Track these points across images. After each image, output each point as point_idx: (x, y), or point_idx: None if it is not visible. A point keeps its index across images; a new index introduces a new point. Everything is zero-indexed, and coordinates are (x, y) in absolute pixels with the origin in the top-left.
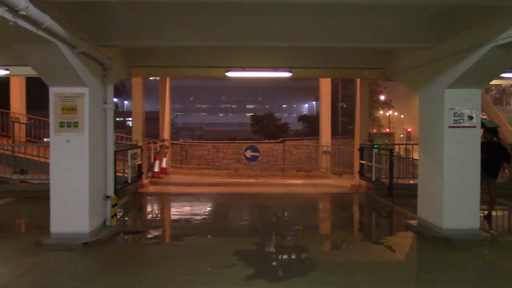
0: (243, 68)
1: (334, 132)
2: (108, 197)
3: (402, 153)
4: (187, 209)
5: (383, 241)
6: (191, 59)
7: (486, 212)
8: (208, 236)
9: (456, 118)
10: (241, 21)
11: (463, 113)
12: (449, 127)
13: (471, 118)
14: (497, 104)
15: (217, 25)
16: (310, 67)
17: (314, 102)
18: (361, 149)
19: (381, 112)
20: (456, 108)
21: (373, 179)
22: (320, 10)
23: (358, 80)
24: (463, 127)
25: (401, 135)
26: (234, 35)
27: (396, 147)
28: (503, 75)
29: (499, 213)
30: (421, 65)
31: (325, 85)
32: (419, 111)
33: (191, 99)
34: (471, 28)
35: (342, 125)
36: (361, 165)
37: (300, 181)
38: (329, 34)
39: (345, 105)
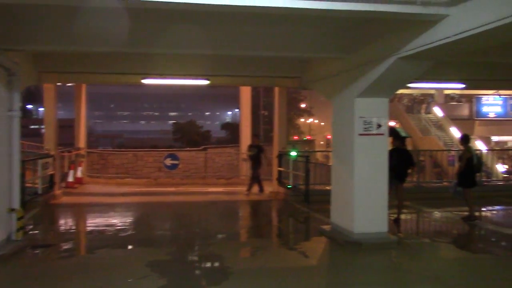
0: (161, 75)
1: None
2: (13, 209)
3: (323, 159)
4: (101, 220)
5: (297, 247)
6: (105, 65)
7: (395, 216)
8: (122, 248)
9: (365, 126)
10: (158, 28)
11: (372, 121)
12: (359, 134)
13: (379, 126)
14: (409, 112)
15: (132, 32)
16: (228, 75)
17: (237, 110)
18: (279, 156)
19: (302, 119)
20: (366, 116)
21: (291, 186)
22: (235, 19)
23: (277, 89)
24: (372, 134)
25: (321, 142)
26: (151, 42)
27: (317, 153)
28: (411, 85)
29: (408, 216)
30: (334, 74)
31: (245, 93)
32: (332, 119)
33: (112, 106)
34: (378, 40)
35: (264, 132)
36: (280, 172)
37: (220, 189)
38: (246, 42)
39: (266, 113)
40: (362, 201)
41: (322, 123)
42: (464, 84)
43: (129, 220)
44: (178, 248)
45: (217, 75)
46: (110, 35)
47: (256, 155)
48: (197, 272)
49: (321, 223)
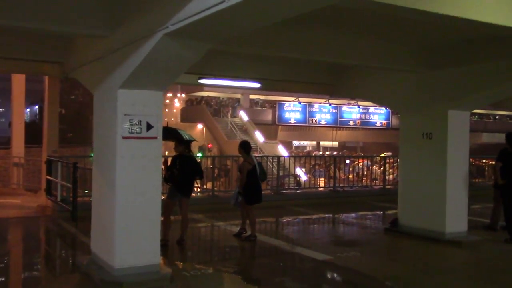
0: None
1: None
2: None
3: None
4: None
5: None
6: None
7: (178, 237)
8: None
9: (132, 126)
10: None
11: (141, 121)
12: (124, 137)
13: (151, 127)
14: (216, 116)
15: None
16: None
17: (36, 106)
18: (48, 162)
19: None
20: (132, 113)
21: (59, 199)
22: None
23: (47, 78)
24: (141, 138)
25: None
26: None
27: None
28: (201, 81)
29: (195, 234)
30: (97, 58)
31: (18, 84)
32: (94, 117)
33: None
34: (144, 11)
35: (61, 133)
36: (49, 181)
37: None
38: None
39: (63, 111)
40: (127, 224)
41: None
42: (259, 83)
43: None
44: None
45: None
46: None
47: None
48: None
49: (86, 250)
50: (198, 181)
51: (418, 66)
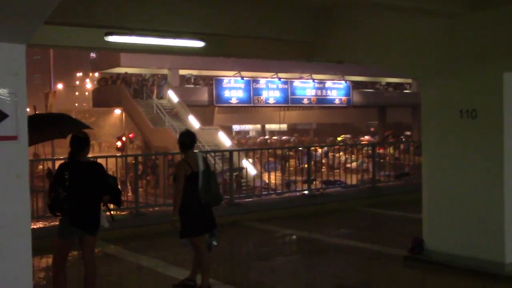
0: None
1: None
2: None
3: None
4: None
5: None
6: None
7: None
8: None
9: None
10: None
11: None
12: None
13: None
14: (138, 98)
15: None
16: None
17: None
18: None
19: None
20: None
21: None
22: None
23: None
24: None
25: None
26: None
27: None
28: (110, 38)
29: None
30: None
31: None
32: None
33: None
34: None
35: None
36: None
37: None
38: None
39: None
40: None
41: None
42: (202, 40)
43: None
44: None
45: None
46: None
47: None
48: None
49: None
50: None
51: (453, 4)
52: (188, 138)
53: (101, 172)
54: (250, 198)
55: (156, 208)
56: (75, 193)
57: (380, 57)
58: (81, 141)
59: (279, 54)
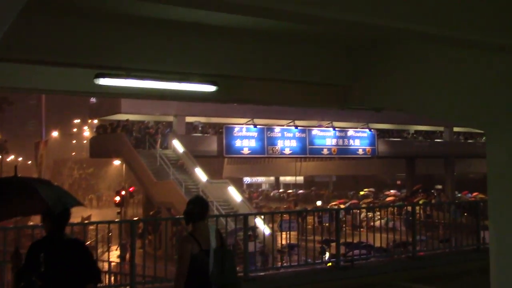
0: None
1: None
2: None
3: None
4: None
5: None
6: None
7: None
8: None
9: None
10: None
11: None
12: None
13: None
14: (139, 147)
15: None
16: None
17: None
18: None
19: None
20: None
21: None
22: None
23: None
24: None
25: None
26: None
27: None
28: (101, 81)
29: None
30: None
31: None
32: None
33: None
34: None
35: None
36: None
37: None
38: None
39: None
40: None
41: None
42: (213, 84)
43: None
44: None
45: None
46: None
47: None
48: None
49: None
50: None
51: None
52: (196, 207)
53: (85, 253)
54: (266, 271)
55: (156, 285)
56: (54, 282)
57: (434, 104)
58: (67, 212)
59: (304, 101)
